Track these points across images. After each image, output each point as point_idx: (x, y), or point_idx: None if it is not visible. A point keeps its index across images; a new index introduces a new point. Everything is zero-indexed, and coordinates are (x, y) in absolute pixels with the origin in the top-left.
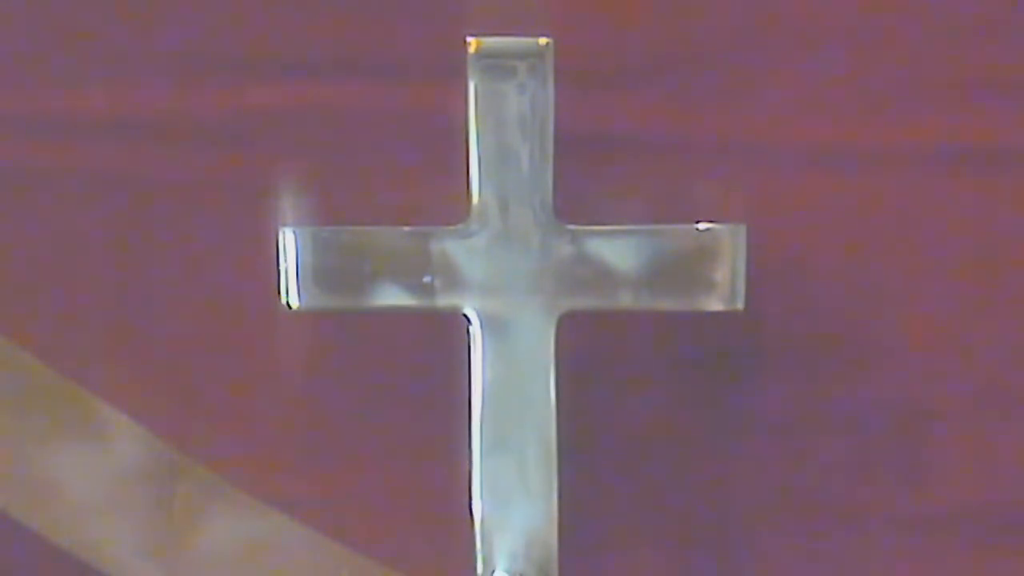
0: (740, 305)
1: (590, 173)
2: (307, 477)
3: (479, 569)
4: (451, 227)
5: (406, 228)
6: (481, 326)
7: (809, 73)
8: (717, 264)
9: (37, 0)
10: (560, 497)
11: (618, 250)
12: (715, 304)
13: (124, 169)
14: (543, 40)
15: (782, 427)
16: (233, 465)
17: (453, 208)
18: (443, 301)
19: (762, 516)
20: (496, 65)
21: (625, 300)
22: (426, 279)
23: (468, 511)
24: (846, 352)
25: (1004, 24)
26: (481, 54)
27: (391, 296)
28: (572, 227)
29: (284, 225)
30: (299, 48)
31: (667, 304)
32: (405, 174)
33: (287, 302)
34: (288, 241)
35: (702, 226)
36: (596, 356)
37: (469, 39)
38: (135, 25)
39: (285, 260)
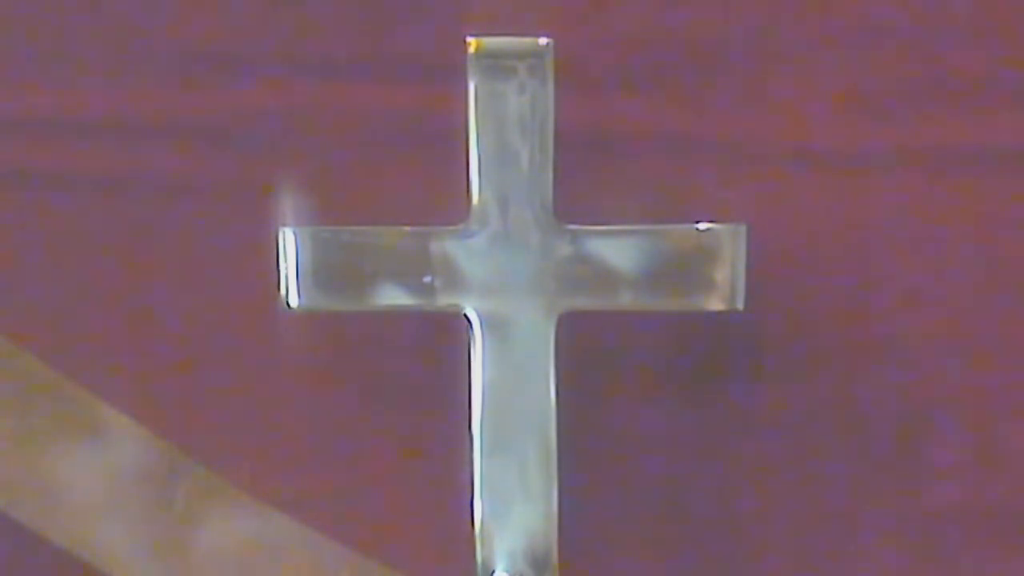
0: (740, 305)
1: (590, 173)
2: (307, 477)
3: (479, 569)
4: (451, 227)
5: (406, 228)
6: (481, 326)
7: (809, 73)
8: (717, 264)
9: (36, 0)
10: (560, 497)
11: (618, 250)
12: (715, 304)
13: (124, 169)
14: (543, 40)
15: (782, 427)
16: (233, 465)
17: (453, 208)
18: (443, 301)
19: (762, 516)
20: (496, 65)
21: (625, 300)
22: (426, 279)
23: (468, 511)
24: (846, 352)
25: (1004, 24)
26: (481, 54)
27: (391, 296)
28: (572, 227)
29: (284, 225)
30: (299, 48)
31: (667, 304)
32: (405, 174)
33: (287, 302)
34: (288, 241)
35: (702, 226)
36: (596, 356)
37: (469, 39)
38: (134, 25)
39: (285, 260)
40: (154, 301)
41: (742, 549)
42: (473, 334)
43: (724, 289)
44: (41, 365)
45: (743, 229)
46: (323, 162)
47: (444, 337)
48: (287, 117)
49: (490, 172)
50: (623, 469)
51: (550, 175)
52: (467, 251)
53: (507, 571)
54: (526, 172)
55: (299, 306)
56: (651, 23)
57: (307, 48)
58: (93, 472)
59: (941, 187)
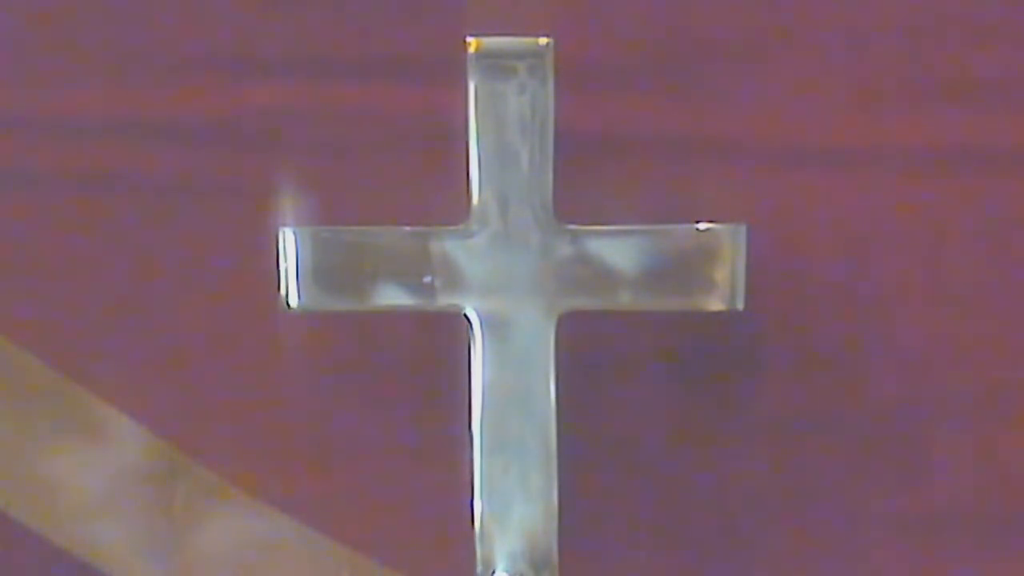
0: (740, 305)
1: (590, 173)
2: (307, 477)
3: (479, 569)
4: (451, 227)
5: (406, 228)
6: (481, 326)
7: (809, 73)
8: (717, 264)
9: (37, 0)
10: (560, 497)
11: (618, 250)
12: (715, 304)
13: (124, 169)
14: (543, 40)
15: (782, 427)
16: (233, 465)
17: (453, 208)
18: (443, 301)
19: (762, 516)
20: (496, 65)
21: (625, 300)
22: (426, 279)
23: (468, 511)
24: (846, 352)
25: (1003, 24)
26: (481, 54)
27: (391, 296)
28: (572, 227)
29: (284, 225)
30: (299, 48)
31: (667, 304)
32: (405, 174)
33: (287, 302)
34: (288, 241)
35: (702, 226)
36: (596, 356)
37: (469, 39)
38: (134, 25)
39: (285, 260)
40: (154, 301)
41: (741, 548)
42: (473, 334)
43: (724, 289)
44: (41, 365)
45: (743, 229)
46: (323, 162)
47: (444, 337)
48: (287, 117)
49: (490, 172)
50: (623, 469)
51: (550, 175)
52: (467, 251)
53: (507, 571)
54: (526, 172)
55: (299, 306)
56: (651, 23)
57: (307, 48)
58: (93, 472)
59: (941, 187)
